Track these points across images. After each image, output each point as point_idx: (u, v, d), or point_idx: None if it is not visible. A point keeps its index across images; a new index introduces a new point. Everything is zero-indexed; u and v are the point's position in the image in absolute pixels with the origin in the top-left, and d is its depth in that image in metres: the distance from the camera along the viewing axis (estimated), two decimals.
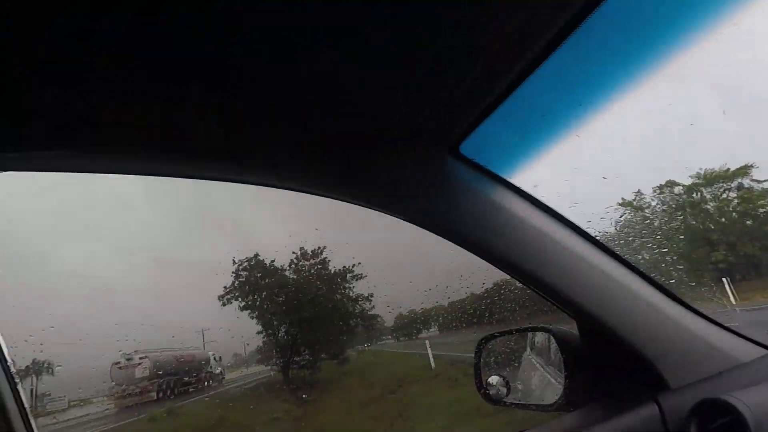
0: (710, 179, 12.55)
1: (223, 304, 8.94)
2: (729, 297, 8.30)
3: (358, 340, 11.47)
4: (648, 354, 0.87)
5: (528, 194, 0.90)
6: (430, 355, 8.20)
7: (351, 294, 9.65)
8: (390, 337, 12.94)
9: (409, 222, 0.88)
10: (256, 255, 9.25)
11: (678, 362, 0.88)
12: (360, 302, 9.69)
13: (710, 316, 0.92)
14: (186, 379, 8.93)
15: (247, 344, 10.35)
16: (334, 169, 0.85)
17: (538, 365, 1.22)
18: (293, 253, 9.38)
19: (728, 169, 12.17)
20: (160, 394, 7.96)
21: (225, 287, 8.98)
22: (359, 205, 0.88)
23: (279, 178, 0.85)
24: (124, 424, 6.88)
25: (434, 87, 0.70)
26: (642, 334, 0.88)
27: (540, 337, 1.20)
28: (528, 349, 1.33)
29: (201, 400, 8.65)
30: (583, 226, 0.91)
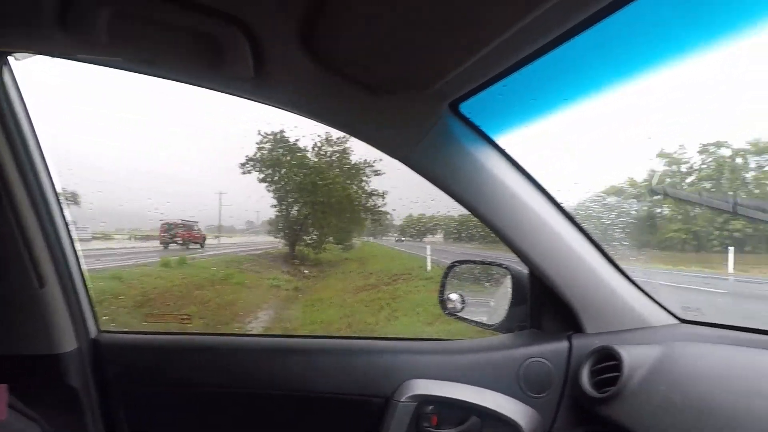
0: (761, 148, 11.90)
1: (243, 173, 9.31)
2: (728, 264, 8.43)
3: (366, 231, 12.06)
4: (574, 303, 1.04)
5: (510, 157, 1.02)
6: (428, 259, 8.65)
7: (367, 187, 9.88)
8: (396, 234, 13.50)
9: (402, 162, 1.02)
10: (282, 131, 9.36)
11: (597, 314, 1.05)
12: (374, 197, 9.95)
13: (635, 281, 1.06)
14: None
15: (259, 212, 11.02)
16: (345, 104, 0.95)
17: (493, 294, 1.37)
18: (318, 135, 9.48)
19: None
20: None
21: (247, 156, 9.26)
22: (362, 140, 1.01)
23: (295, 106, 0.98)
24: (140, 264, 7.67)
25: (447, 47, 0.73)
26: (573, 286, 1.04)
27: (500, 271, 1.33)
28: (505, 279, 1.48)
29: (213, 256, 9.48)
30: (552, 191, 1.04)
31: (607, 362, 0.95)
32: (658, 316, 1.07)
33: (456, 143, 0.98)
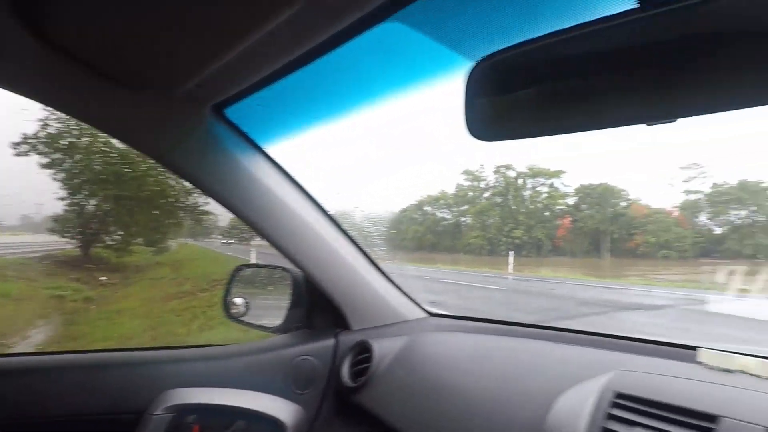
0: (535, 172, 15.59)
1: (18, 155, 7.39)
2: (509, 266, 10.49)
3: (184, 232, 10.94)
4: (341, 303, 1.11)
5: (279, 165, 1.02)
6: (252, 262, 8.29)
7: (186, 183, 8.88)
8: (222, 236, 12.64)
9: (157, 162, 0.97)
10: None
11: (361, 312, 1.13)
12: (194, 194, 9.02)
13: (395, 281, 1.17)
14: None
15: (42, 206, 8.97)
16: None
17: (274, 296, 1.34)
18: None
19: (548, 169, 15.45)
20: None
21: (24, 135, 7.37)
22: (107, 134, 0.96)
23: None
24: None
25: (192, 47, 0.69)
26: (340, 288, 1.10)
27: (283, 275, 1.31)
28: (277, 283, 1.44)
29: None
30: (319, 198, 1.08)
31: (364, 354, 1.05)
32: (412, 311, 1.20)
33: (221, 147, 0.95)
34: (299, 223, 1.04)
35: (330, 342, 1.12)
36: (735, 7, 0.37)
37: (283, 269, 1.24)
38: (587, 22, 0.43)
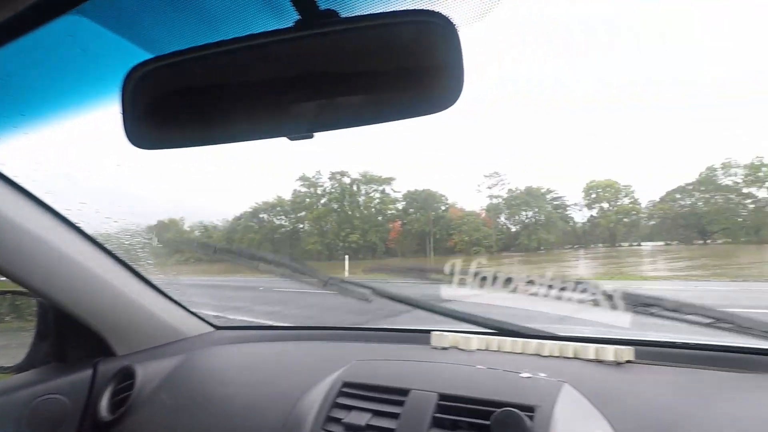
0: (368, 179, 16.70)
1: None
2: (345, 269, 10.92)
3: None
4: (99, 328, 0.94)
5: None
6: None
7: None
8: None
9: None
10: None
11: (127, 335, 0.98)
12: None
13: (172, 296, 1.06)
14: None
15: None
16: None
17: (15, 328, 1.08)
18: None
19: (381, 176, 16.79)
20: None
21: None
22: None
23: None
24: None
25: None
26: (94, 310, 0.93)
27: (22, 301, 1.07)
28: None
29: None
30: (62, 210, 0.88)
31: (128, 381, 0.92)
32: (194, 327, 1.09)
33: None
34: (29, 240, 0.85)
35: (87, 374, 0.95)
36: (379, 41, 0.42)
37: (22, 294, 1.01)
38: (249, 36, 0.44)
